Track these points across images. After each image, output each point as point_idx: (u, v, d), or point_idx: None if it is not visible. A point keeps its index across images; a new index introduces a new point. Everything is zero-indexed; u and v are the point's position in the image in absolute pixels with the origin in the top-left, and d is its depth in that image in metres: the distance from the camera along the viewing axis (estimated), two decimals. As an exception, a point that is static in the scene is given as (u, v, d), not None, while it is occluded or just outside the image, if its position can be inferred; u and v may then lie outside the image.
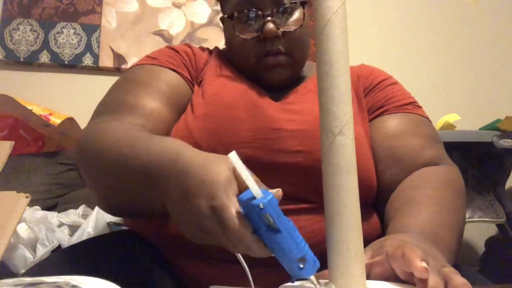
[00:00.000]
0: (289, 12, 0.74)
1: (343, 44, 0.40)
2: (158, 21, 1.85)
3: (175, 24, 1.86)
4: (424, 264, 0.38)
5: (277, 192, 0.43)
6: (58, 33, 1.76)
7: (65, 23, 1.77)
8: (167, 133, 0.70)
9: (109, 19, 1.80)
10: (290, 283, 0.43)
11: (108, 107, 0.71)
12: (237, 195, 0.43)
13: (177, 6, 1.88)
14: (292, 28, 0.73)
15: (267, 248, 0.41)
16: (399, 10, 2.07)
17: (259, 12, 0.72)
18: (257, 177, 0.43)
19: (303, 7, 0.75)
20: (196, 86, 0.77)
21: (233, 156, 0.41)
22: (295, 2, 0.74)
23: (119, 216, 0.64)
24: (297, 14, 0.74)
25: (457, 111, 1.55)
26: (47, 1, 1.76)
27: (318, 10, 0.40)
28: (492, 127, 1.44)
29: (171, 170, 0.48)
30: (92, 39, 1.77)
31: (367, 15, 2.02)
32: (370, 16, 2.03)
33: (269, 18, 0.71)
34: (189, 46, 0.82)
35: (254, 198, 0.40)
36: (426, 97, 1.80)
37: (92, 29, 1.78)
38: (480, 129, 1.50)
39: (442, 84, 2.03)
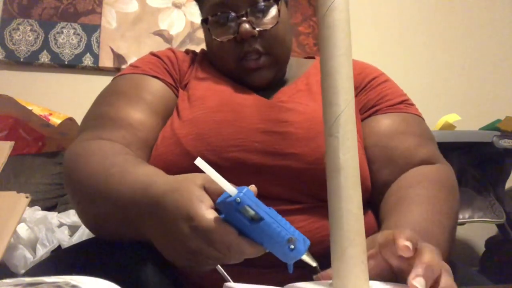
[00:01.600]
0: (264, 10, 0.73)
1: (340, 38, 0.37)
2: (158, 21, 1.85)
3: (175, 24, 1.86)
4: (407, 243, 0.37)
5: (251, 187, 0.43)
6: (58, 33, 1.75)
7: (65, 23, 1.77)
8: (154, 141, 0.70)
9: (109, 19, 1.80)
10: (296, 283, 0.43)
11: (91, 121, 0.71)
12: (214, 204, 0.43)
13: (177, 6, 1.88)
14: (269, 27, 0.72)
15: (259, 245, 0.41)
16: (399, 9, 2.07)
17: (234, 14, 0.72)
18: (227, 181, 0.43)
19: (278, 4, 0.73)
20: (181, 90, 0.76)
21: (200, 161, 0.41)
22: (269, 0, 0.73)
23: (99, 237, 0.65)
24: (272, 12, 0.73)
25: (457, 111, 1.55)
26: (47, 1, 1.76)
27: (319, 1, 0.38)
28: (492, 127, 1.44)
29: (143, 202, 0.48)
30: (92, 39, 1.77)
31: (367, 15, 2.02)
32: (370, 16, 2.03)
33: (244, 18, 0.71)
34: (172, 51, 0.81)
35: (230, 196, 0.40)
36: (426, 97, 1.80)
37: (92, 29, 1.78)
38: (480, 129, 1.50)
39: (442, 84, 2.03)
